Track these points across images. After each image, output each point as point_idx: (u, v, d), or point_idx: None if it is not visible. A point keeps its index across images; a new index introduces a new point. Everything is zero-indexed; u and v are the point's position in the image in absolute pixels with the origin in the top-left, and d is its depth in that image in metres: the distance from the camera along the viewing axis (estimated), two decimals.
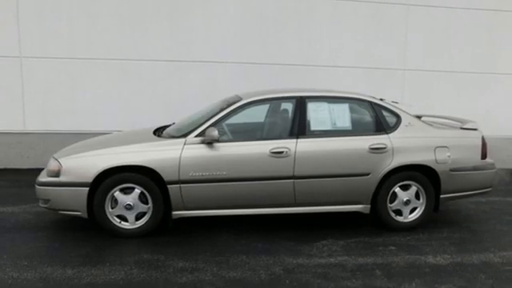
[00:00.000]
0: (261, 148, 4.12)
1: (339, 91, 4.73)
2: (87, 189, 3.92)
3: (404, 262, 3.73)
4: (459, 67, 7.58)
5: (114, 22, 6.74)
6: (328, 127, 4.34)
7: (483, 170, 4.52)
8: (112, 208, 4.03)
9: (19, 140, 6.78)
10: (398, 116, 4.47)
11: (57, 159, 4.08)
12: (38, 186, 4.10)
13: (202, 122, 4.24)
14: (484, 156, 4.52)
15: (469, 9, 7.46)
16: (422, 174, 4.36)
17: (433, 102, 7.40)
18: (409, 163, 4.29)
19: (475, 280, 3.45)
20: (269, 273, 3.48)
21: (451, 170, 4.36)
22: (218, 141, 4.06)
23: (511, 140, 7.62)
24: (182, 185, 4.01)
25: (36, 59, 6.65)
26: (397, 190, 4.35)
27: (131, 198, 4.01)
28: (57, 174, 3.98)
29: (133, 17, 6.77)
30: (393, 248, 4.02)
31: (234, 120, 4.27)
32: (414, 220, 4.42)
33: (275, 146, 4.13)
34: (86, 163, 3.98)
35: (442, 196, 4.42)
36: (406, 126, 4.42)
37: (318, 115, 4.35)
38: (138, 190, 4.01)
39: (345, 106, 4.42)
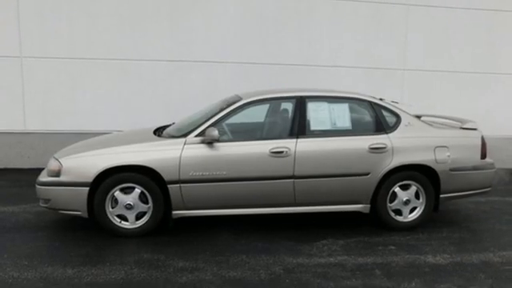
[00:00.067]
0: (261, 148, 4.12)
1: (339, 91, 4.74)
2: (87, 188, 3.92)
3: (404, 262, 3.73)
4: (459, 67, 7.59)
5: (114, 22, 6.75)
6: (328, 127, 4.34)
7: (483, 169, 4.52)
8: (112, 208, 4.03)
9: (19, 140, 6.79)
10: (397, 116, 4.48)
11: (57, 159, 4.09)
12: (38, 186, 4.11)
13: (202, 121, 4.24)
14: (484, 156, 4.53)
15: (469, 9, 7.46)
16: (422, 174, 4.36)
17: (433, 101, 7.40)
18: (408, 163, 4.29)
19: (475, 279, 3.45)
20: (269, 272, 3.48)
21: (451, 170, 4.37)
22: (218, 141, 4.06)
23: (511, 140, 7.62)
24: (182, 184, 4.01)
25: (36, 59, 6.65)
26: (396, 189, 4.36)
27: (131, 198, 4.01)
28: (57, 173, 3.99)
29: (133, 17, 6.78)
30: (392, 248, 4.02)
31: (234, 120, 4.28)
32: (413, 220, 4.43)
33: (275, 145, 4.13)
34: (86, 163, 3.99)
35: (441, 196, 4.42)
36: (406, 125, 4.43)
37: (318, 115, 4.36)
38: (138, 190, 4.02)
39: (345, 106, 4.43)
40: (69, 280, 3.28)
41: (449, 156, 4.36)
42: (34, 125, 6.80)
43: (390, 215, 4.38)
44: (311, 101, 4.37)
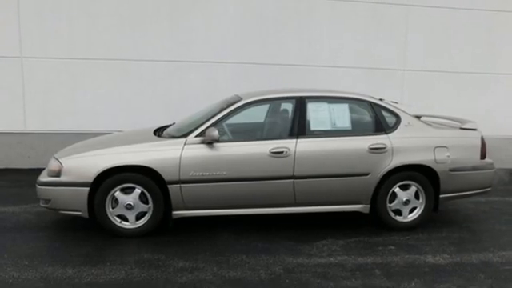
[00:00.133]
0: (261, 148, 4.13)
1: (339, 91, 4.74)
2: (88, 189, 3.93)
3: (403, 262, 3.74)
4: (459, 67, 7.59)
5: (114, 21, 6.75)
6: (328, 127, 4.35)
7: (482, 169, 4.53)
8: (112, 208, 4.04)
9: (20, 140, 6.80)
10: (397, 116, 4.48)
11: (57, 159, 4.10)
12: (38, 186, 4.11)
13: (202, 122, 4.25)
14: (483, 156, 4.53)
15: (469, 9, 7.47)
16: (422, 174, 4.37)
17: (432, 102, 7.40)
18: (408, 163, 4.30)
19: (474, 279, 3.46)
20: (269, 272, 3.49)
21: (450, 170, 4.37)
22: (218, 141, 4.07)
23: (511, 140, 7.63)
24: (182, 185, 4.02)
25: (36, 59, 6.66)
26: (396, 189, 4.37)
27: (132, 198, 4.02)
28: (57, 173, 4.00)
29: (133, 17, 6.78)
30: (392, 248, 4.03)
31: (234, 120, 4.28)
32: (413, 220, 4.43)
33: (275, 145, 4.14)
34: (86, 163, 3.99)
35: (441, 196, 4.43)
36: (406, 126, 4.43)
37: (318, 115, 4.36)
38: (138, 190, 4.02)
39: (344, 106, 4.43)
40: (69, 280, 3.29)
41: (448, 156, 4.36)
42: (35, 125, 6.80)
43: (389, 215, 4.39)
44: (311, 101, 4.37)
